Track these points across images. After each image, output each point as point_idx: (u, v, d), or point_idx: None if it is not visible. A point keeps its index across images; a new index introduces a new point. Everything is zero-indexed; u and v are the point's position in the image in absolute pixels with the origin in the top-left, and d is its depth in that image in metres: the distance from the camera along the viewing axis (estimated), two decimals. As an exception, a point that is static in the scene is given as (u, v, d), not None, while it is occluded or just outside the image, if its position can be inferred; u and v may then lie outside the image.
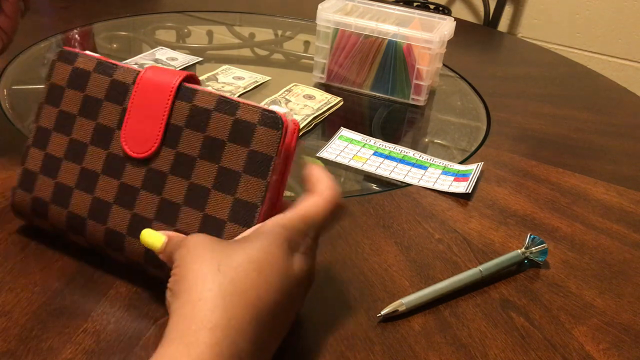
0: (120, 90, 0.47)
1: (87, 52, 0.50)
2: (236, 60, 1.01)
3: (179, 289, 0.36)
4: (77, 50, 0.50)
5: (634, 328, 0.50)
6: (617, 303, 0.52)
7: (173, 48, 0.97)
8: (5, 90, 0.79)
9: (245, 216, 0.43)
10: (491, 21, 1.80)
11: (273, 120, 0.43)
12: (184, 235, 0.42)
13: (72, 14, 1.06)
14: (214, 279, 0.35)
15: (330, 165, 0.70)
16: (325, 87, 0.90)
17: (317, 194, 0.42)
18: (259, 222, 0.42)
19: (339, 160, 0.70)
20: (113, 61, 0.48)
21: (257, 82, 0.88)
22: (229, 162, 0.43)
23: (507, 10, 1.84)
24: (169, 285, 0.38)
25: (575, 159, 0.77)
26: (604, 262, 0.57)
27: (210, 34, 1.12)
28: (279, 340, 0.39)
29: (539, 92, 0.98)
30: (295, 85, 0.87)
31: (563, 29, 1.80)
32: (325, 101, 0.84)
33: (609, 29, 1.74)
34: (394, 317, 0.48)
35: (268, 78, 0.90)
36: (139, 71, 0.47)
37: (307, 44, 1.10)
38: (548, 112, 0.90)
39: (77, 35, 1.00)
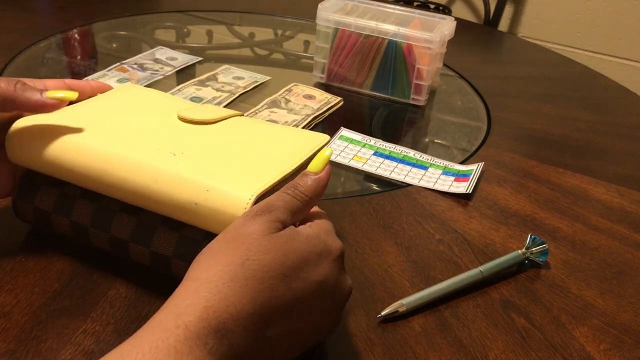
0: None
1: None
2: (236, 60, 1.01)
3: (201, 260, 0.37)
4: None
5: (635, 328, 0.50)
6: (617, 303, 0.52)
7: (173, 48, 0.97)
8: (4, 90, 0.78)
9: None
10: (491, 21, 1.80)
11: None
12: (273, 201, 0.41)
13: (72, 14, 1.06)
14: (231, 270, 0.35)
15: (331, 166, 0.70)
16: (325, 87, 0.90)
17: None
18: None
19: (339, 160, 0.70)
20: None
21: (257, 82, 0.88)
22: None
23: (508, 10, 1.84)
24: (203, 249, 0.38)
25: (575, 159, 0.76)
26: (604, 263, 0.57)
27: (210, 33, 1.11)
28: (298, 343, 0.39)
29: (539, 92, 0.98)
30: (295, 85, 0.87)
31: (563, 28, 1.80)
32: (325, 101, 0.84)
33: (609, 29, 1.74)
34: (395, 317, 0.48)
35: (268, 78, 0.90)
36: None
37: (307, 43, 1.10)
38: (548, 112, 0.90)
39: (77, 35, 1.00)
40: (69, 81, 0.52)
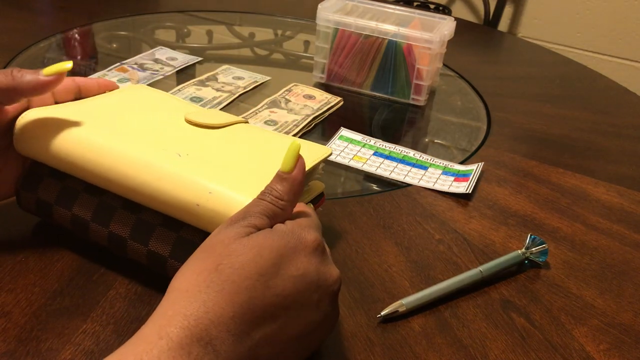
0: None
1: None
2: (236, 60, 1.01)
3: (180, 272, 0.37)
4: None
5: (635, 328, 0.50)
6: (617, 303, 0.52)
7: (173, 48, 0.97)
8: (4, 90, 0.78)
9: None
10: (491, 21, 1.80)
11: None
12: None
13: (72, 14, 1.06)
14: (206, 277, 0.36)
15: (330, 165, 0.70)
16: (325, 87, 0.90)
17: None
18: None
19: (339, 160, 0.70)
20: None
21: (257, 82, 0.88)
22: None
23: (508, 10, 1.84)
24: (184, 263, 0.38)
25: (575, 159, 0.76)
26: (604, 263, 0.57)
27: (210, 33, 1.11)
28: (299, 342, 0.38)
29: (539, 92, 0.98)
30: (295, 85, 0.87)
31: (563, 28, 1.80)
32: (325, 101, 0.84)
33: (609, 29, 1.74)
34: (394, 317, 0.48)
35: (268, 78, 0.90)
36: None
37: (307, 43, 1.10)
38: (548, 112, 0.90)
39: (77, 35, 1.00)
40: (78, 79, 0.52)
